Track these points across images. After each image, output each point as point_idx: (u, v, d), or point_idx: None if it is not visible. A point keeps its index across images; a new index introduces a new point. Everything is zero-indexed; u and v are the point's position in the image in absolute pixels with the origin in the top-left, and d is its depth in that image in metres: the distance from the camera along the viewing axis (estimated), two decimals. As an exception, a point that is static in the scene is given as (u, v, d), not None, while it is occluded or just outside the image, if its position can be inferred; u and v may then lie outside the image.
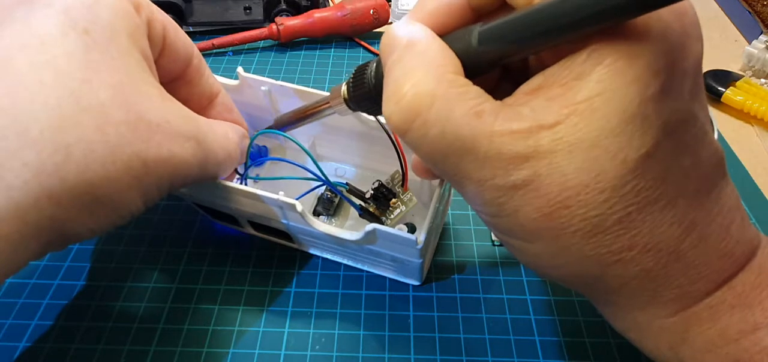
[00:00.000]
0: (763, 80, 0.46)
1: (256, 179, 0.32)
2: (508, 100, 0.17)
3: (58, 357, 0.26)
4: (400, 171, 0.29)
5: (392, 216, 0.29)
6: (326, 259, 0.31)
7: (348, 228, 0.32)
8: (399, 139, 0.29)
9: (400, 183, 0.30)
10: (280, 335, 0.27)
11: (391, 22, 0.52)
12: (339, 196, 0.32)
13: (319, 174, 0.28)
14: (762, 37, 0.48)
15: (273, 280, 0.30)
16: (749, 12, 0.57)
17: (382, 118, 0.29)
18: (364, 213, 0.29)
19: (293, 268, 0.31)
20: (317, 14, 0.49)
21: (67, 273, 0.30)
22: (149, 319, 0.28)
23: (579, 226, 0.16)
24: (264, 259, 0.31)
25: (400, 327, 0.28)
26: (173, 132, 0.21)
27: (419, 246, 0.24)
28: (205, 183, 0.26)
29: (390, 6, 0.51)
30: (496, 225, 0.18)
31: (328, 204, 0.32)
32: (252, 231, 0.31)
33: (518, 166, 0.16)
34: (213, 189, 0.26)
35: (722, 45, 0.52)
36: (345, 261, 0.31)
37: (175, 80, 0.25)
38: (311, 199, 0.32)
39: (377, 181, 0.29)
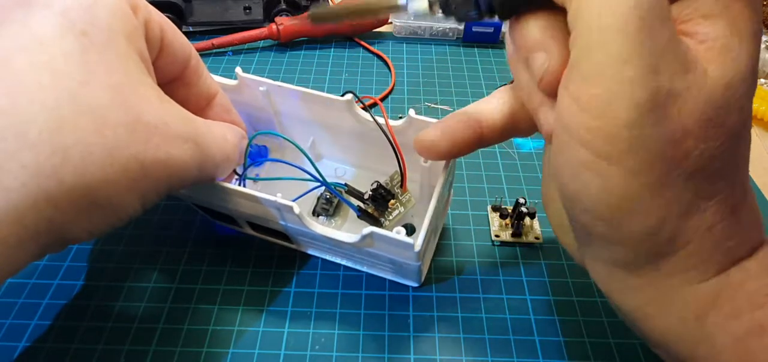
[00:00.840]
0: (763, 80, 0.46)
1: (256, 179, 0.32)
2: None
3: (58, 356, 0.26)
4: (399, 172, 0.29)
5: (391, 218, 0.29)
6: (326, 259, 0.31)
7: (347, 228, 0.32)
8: (396, 140, 0.29)
9: (399, 183, 0.30)
10: (279, 335, 0.27)
11: (391, 23, 0.52)
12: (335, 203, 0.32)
13: (316, 175, 0.28)
14: (762, 37, 0.48)
15: (273, 280, 0.30)
16: (749, 12, 0.57)
17: (380, 119, 0.29)
18: (363, 215, 0.29)
19: (293, 268, 0.31)
20: (317, 14, 0.49)
21: (66, 273, 0.30)
22: (149, 319, 0.28)
23: (693, 163, 0.17)
24: (264, 259, 0.31)
25: (399, 327, 0.28)
26: (171, 134, 0.21)
27: (417, 250, 0.24)
28: (203, 185, 0.26)
29: (390, 6, 0.51)
30: (611, 133, 0.17)
31: (328, 205, 0.32)
32: (251, 232, 0.31)
33: (681, 73, 0.16)
34: (211, 190, 0.26)
35: (722, 45, 0.52)
36: (344, 263, 0.31)
37: (173, 81, 0.25)
38: (310, 199, 0.32)
39: (376, 181, 0.29)
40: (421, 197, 0.31)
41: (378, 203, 0.29)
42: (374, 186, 0.29)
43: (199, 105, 0.27)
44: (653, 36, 0.15)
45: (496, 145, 0.40)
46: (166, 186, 0.21)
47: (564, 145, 0.18)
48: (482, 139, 0.23)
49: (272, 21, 0.49)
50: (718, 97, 0.16)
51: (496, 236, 0.33)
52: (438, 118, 0.28)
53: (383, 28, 0.52)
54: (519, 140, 0.40)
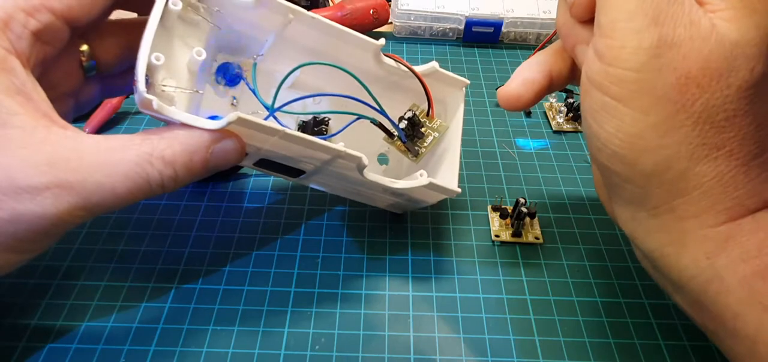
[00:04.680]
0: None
1: (291, 113, 0.29)
2: None
3: (58, 356, 0.26)
4: (427, 103, 0.31)
5: (426, 144, 0.31)
6: (326, 259, 0.31)
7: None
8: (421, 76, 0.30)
9: (426, 112, 0.31)
10: (280, 335, 0.27)
11: (391, 23, 0.52)
12: (329, 121, 0.31)
13: (374, 104, 0.28)
14: None
15: (273, 280, 0.30)
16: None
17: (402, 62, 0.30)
18: (408, 140, 0.30)
19: (293, 268, 0.31)
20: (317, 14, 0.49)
21: (66, 273, 0.30)
22: (149, 319, 0.28)
23: (698, 109, 0.19)
24: (264, 260, 0.31)
25: (400, 327, 0.28)
26: (17, 188, 0.20)
27: (459, 191, 0.28)
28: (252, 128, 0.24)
29: (390, 6, 0.51)
30: (622, 77, 0.20)
31: (322, 125, 0.31)
32: (256, 169, 0.29)
33: (685, 25, 0.19)
34: (259, 133, 0.24)
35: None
36: (352, 198, 0.32)
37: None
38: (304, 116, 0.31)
39: (410, 110, 0.31)
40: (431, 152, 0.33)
41: (411, 131, 0.31)
42: (410, 115, 0.30)
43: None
44: None
45: (496, 145, 0.40)
46: (21, 241, 0.21)
47: (586, 92, 0.21)
48: (551, 86, 0.26)
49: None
50: (724, 52, 0.19)
51: (496, 236, 0.33)
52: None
53: (383, 28, 0.52)
54: (519, 140, 0.41)
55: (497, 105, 0.44)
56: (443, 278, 0.30)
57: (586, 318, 0.29)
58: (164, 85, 0.25)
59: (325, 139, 0.25)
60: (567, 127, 0.42)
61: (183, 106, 0.26)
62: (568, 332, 0.28)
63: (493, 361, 0.27)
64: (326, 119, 0.31)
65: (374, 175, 0.27)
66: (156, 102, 0.22)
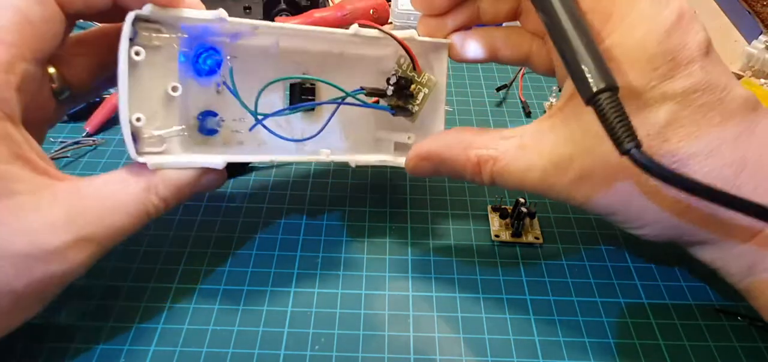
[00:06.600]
0: (763, 80, 0.46)
1: (276, 114, 0.29)
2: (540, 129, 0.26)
3: (58, 356, 0.26)
4: (408, 58, 0.29)
5: (417, 103, 0.30)
6: (326, 259, 0.31)
7: (324, 130, 0.30)
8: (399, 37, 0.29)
9: (411, 68, 0.30)
10: (279, 335, 0.27)
11: (391, 23, 0.52)
12: (313, 86, 0.30)
13: (357, 102, 0.29)
14: (762, 37, 0.48)
15: (272, 280, 0.30)
16: (749, 12, 0.57)
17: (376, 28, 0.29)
18: (397, 111, 0.30)
19: (292, 268, 0.31)
20: (317, 14, 0.49)
21: (66, 272, 0.30)
22: (149, 319, 0.28)
23: (643, 189, 0.22)
24: (264, 259, 0.31)
25: (399, 327, 0.28)
26: (46, 252, 0.21)
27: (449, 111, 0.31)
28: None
29: (390, 6, 0.51)
30: (593, 209, 0.25)
31: (309, 95, 0.30)
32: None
33: (567, 169, 0.23)
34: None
35: (722, 45, 0.52)
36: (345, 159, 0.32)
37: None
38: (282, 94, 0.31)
39: (393, 75, 0.29)
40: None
41: (401, 93, 0.30)
42: (394, 80, 0.29)
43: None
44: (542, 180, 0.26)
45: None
46: (49, 295, 0.23)
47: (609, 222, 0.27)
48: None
49: (272, 21, 0.49)
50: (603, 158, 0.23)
51: (496, 236, 0.33)
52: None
53: (384, 28, 0.52)
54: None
55: (498, 105, 0.44)
56: (443, 278, 0.30)
57: (586, 318, 0.29)
58: (152, 133, 0.26)
59: (313, 138, 0.29)
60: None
61: (176, 141, 0.27)
62: (567, 332, 0.28)
63: (493, 361, 0.27)
64: (310, 85, 0.30)
65: (363, 156, 0.30)
66: (150, 164, 0.25)
